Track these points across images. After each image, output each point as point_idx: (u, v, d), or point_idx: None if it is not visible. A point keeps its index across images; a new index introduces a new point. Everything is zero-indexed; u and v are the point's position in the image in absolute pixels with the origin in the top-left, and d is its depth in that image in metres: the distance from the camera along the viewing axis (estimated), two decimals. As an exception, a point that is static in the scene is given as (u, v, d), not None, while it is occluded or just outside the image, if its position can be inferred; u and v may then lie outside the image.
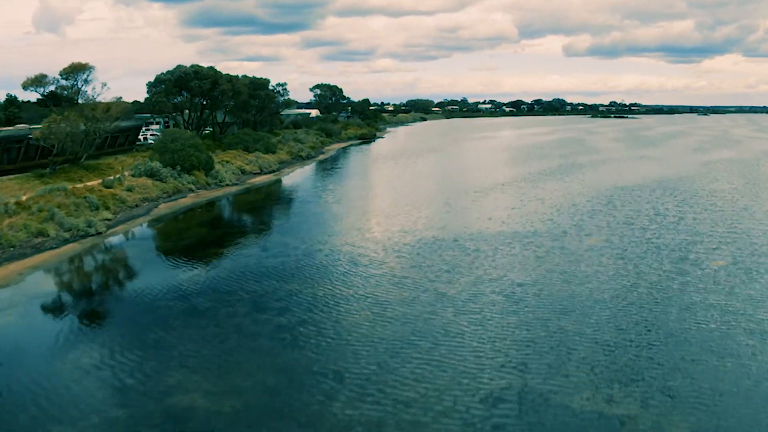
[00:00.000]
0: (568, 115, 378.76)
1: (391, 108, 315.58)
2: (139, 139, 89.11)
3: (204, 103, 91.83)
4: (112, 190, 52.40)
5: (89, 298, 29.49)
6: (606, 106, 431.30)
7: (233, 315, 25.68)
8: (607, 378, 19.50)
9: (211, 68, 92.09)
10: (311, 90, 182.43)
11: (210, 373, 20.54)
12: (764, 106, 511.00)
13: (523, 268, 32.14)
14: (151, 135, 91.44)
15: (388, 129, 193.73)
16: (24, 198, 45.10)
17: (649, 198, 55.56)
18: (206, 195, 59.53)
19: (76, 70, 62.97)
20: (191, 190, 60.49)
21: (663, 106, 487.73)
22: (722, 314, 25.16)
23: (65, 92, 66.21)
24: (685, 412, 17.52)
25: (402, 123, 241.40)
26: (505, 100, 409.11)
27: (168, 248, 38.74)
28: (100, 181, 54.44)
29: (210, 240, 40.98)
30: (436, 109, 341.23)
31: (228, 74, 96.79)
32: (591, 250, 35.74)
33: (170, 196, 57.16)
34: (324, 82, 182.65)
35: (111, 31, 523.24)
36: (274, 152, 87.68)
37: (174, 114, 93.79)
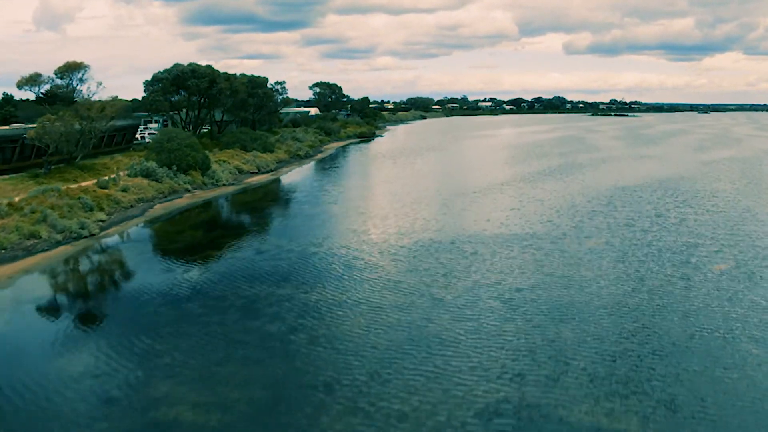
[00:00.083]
0: (568, 113, 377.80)
1: (390, 106, 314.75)
2: (137, 138, 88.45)
3: (201, 101, 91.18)
4: (106, 190, 51.77)
5: (78, 304, 28.87)
6: (606, 104, 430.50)
7: (224, 322, 25.07)
8: (606, 390, 18.87)
9: (209, 67, 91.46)
10: (310, 88, 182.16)
11: (198, 385, 19.93)
12: (765, 104, 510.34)
13: (521, 272, 31.52)
14: (149, 134, 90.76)
15: (387, 127, 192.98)
16: (17, 199, 44.51)
17: (649, 198, 54.93)
18: (202, 195, 58.90)
19: (71, 69, 62.43)
20: (187, 191, 59.87)
21: (663, 104, 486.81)
22: (725, 322, 24.54)
23: (61, 91, 65.71)
24: (687, 428, 16.92)
25: (402, 121, 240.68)
26: (506, 98, 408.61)
27: (161, 251, 38.15)
28: (95, 181, 53.82)
29: (204, 242, 40.37)
30: (436, 107, 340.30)
31: (226, 72, 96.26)
32: (591, 253, 35.12)
33: (166, 197, 56.53)
34: (324, 80, 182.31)
35: (111, 28, 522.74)
36: (272, 151, 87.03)
37: (171, 113, 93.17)
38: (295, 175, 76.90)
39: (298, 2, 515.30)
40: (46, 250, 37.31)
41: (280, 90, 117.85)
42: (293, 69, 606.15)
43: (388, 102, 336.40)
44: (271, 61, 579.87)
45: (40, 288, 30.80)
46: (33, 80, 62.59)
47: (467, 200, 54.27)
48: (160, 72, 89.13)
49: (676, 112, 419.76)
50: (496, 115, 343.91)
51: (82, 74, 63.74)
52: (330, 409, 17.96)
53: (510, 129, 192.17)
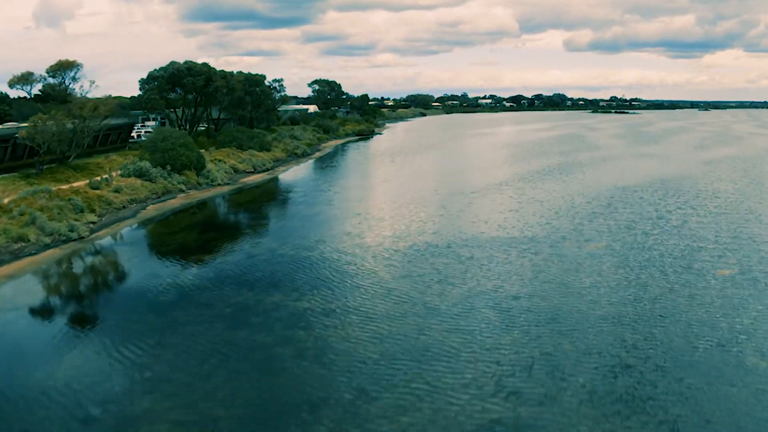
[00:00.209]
0: (568, 110, 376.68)
1: (390, 103, 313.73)
2: (133, 137, 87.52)
3: (198, 99, 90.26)
4: (98, 191, 50.89)
5: (60, 313, 27.93)
6: (607, 101, 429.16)
7: (210, 332, 24.20)
8: (606, 410, 17.97)
9: (205, 64, 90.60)
10: (309, 85, 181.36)
11: (180, 400, 19.09)
12: (765, 101, 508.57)
13: (519, 278, 30.63)
14: (146, 132, 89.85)
15: (387, 125, 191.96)
16: (6, 200, 43.64)
17: (650, 199, 54.03)
18: (197, 195, 58.03)
19: (63, 67, 61.51)
20: (181, 191, 58.98)
21: (664, 101, 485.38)
22: (730, 333, 23.64)
23: (55, 90, 64.84)
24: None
25: (401, 118, 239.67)
26: (506, 95, 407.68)
27: (150, 255, 37.29)
28: (87, 181, 52.96)
29: (195, 245, 39.48)
30: (436, 104, 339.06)
31: (222, 70, 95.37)
32: (591, 258, 34.23)
33: (159, 197, 55.66)
34: (323, 77, 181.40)
35: (111, 25, 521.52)
36: (269, 150, 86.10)
37: (167, 111, 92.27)
38: (292, 175, 75.98)
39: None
40: (34, 253, 36.47)
41: (278, 87, 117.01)
42: (293, 66, 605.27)
43: (388, 99, 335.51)
44: (271, 58, 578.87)
45: (22, 295, 29.88)
46: (25, 79, 61.68)
47: (465, 201, 53.38)
48: (155, 70, 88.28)
49: (677, 110, 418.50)
50: (496, 112, 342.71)
51: (75, 73, 62.83)
52: (314, 430, 17.10)
53: (510, 127, 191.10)
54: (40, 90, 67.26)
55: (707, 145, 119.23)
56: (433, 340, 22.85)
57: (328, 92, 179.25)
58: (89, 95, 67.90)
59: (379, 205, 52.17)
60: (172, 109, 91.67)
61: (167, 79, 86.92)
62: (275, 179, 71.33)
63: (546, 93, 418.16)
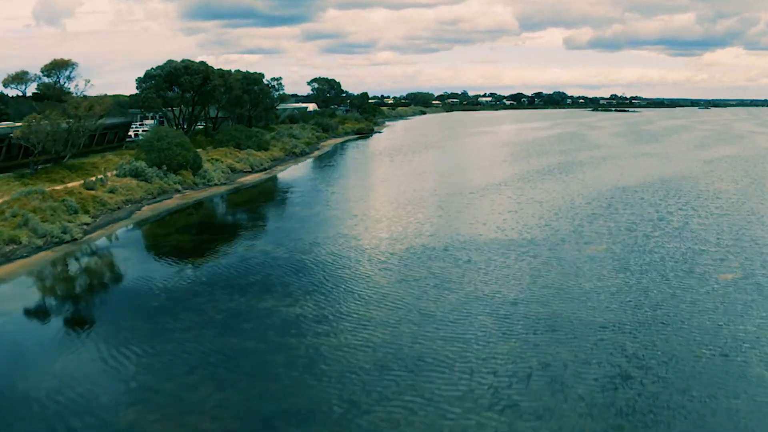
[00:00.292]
0: (568, 108, 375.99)
1: (390, 101, 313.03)
2: (130, 136, 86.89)
3: (195, 98, 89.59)
4: (93, 192, 50.30)
5: (47, 319, 27.29)
6: (607, 99, 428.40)
7: (200, 339, 23.60)
8: (606, 424, 17.37)
9: (203, 63, 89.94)
10: (309, 84, 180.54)
11: (167, 412, 18.53)
12: (765, 100, 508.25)
13: (517, 283, 30.00)
14: (143, 131, 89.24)
15: (386, 123, 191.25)
16: (-1, 201, 43.10)
17: (651, 200, 53.39)
18: (193, 196, 57.42)
19: (58, 66, 60.85)
20: (177, 191, 58.39)
21: (664, 99, 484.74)
22: (734, 341, 23.00)
23: (50, 90, 64.25)
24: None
25: (401, 117, 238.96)
26: (506, 93, 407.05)
27: (142, 258, 36.61)
28: (82, 182, 52.36)
29: (189, 248, 38.86)
30: (436, 102, 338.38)
31: (220, 69, 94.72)
32: (591, 262, 33.61)
33: (155, 198, 55.07)
34: (323, 76, 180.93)
35: (111, 23, 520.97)
36: (266, 149, 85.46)
37: (165, 109, 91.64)
38: (290, 174, 75.32)
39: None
40: (26, 256, 35.90)
41: (276, 86, 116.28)
42: (293, 64, 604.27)
43: (388, 97, 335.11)
44: (271, 56, 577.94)
45: (10, 300, 29.26)
46: (19, 78, 60.98)
47: (463, 201, 52.75)
48: (152, 68, 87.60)
49: (677, 108, 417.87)
50: (497, 110, 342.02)
51: (70, 72, 62.17)
52: (304, 445, 16.54)
53: (510, 125, 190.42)
54: (37, 89, 66.69)
55: (708, 144, 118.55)
56: (428, 348, 22.22)
57: (327, 90, 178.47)
58: (86, 94, 67.49)
59: (377, 205, 51.53)
60: (170, 108, 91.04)
61: (164, 77, 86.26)
62: (273, 179, 70.70)
63: (546, 91, 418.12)
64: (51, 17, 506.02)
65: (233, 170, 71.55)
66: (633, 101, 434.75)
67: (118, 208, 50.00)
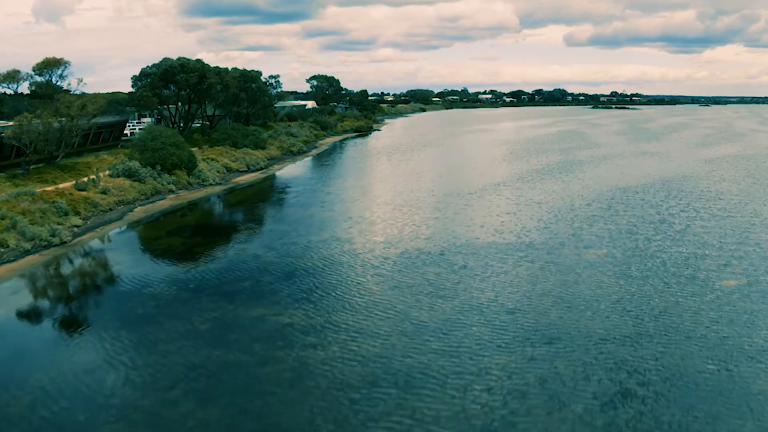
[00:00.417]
0: (569, 105, 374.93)
1: (390, 98, 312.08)
2: (126, 134, 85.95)
3: (191, 96, 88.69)
4: (84, 192, 49.47)
5: (28, 327, 26.42)
6: (607, 96, 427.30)
7: (184, 350, 22.72)
8: (605, 446, 16.55)
9: (199, 61, 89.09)
10: (308, 81, 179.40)
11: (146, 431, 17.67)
12: (766, 97, 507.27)
13: (514, 290, 29.08)
14: (140, 130, 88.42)
15: (386, 120, 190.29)
16: (-12, 203, 42.21)
17: (652, 201, 52.46)
18: (187, 196, 56.56)
19: (50, 65, 59.90)
20: (171, 191, 57.56)
21: (664, 96, 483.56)
22: (740, 354, 22.05)
23: (42, 87, 63.34)
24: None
25: (401, 114, 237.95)
26: (506, 90, 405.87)
27: (131, 263, 35.58)
28: (74, 182, 51.49)
29: (179, 251, 37.95)
30: (436, 99, 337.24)
31: (217, 67, 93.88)
32: (590, 267, 32.71)
33: (148, 198, 54.24)
34: (323, 73, 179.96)
35: (111, 20, 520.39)
36: (263, 148, 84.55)
37: (160, 108, 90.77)
38: (286, 174, 74.34)
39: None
40: (12, 260, 35.10)
41: (274, 84, 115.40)
42: (294, 61, 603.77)
43: (388, 94, 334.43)
44: (271, 53, 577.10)
45: (-7, 307, 28.42)
46: (11, 77, 60.00)
47: (461, 203, 51.82)
48: (148, 66, 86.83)
49: (677, 105, 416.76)
50: (497, 107, 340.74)
51: (63, 70, 61.22)
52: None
53: (510, 123, 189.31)
54: (34, 88, 65.75)
55: (709, 143, 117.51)
56: (419, 363, 21.30)
57: (326, 88, 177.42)
58: (83, 90, 66.61)
59: (372, 207, 50.59)
60: (165, 106, 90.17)
61: (160, 75, 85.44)
62: (269, 178, 69.76)
63: (546, 88, 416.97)
64: (51, 14, 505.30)
65: (229, 170, 70.70)
66: (633, 98, 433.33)
67: (110, 209, 49.17)
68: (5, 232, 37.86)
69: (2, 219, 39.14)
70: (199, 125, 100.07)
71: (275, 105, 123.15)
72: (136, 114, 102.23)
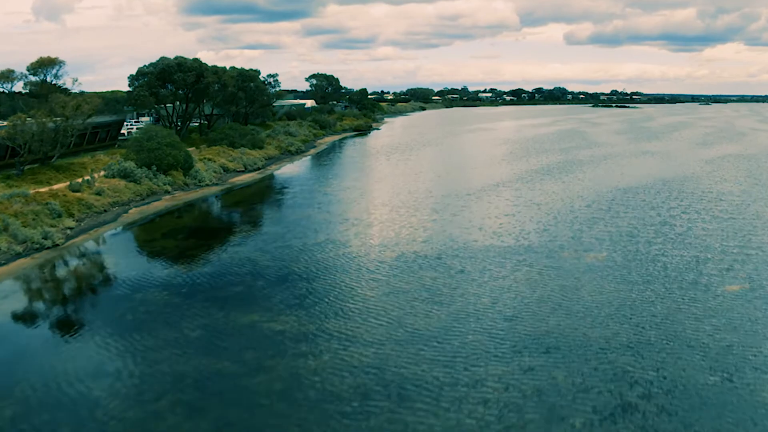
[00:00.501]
0: (569, 104, 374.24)
1: (390, 97, 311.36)
2: (123, 134, 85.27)
3: (189, 96, 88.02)
4: (78, 194, 48.90)
5: (15, 333, 25.74)
6: (607, 94, 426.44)
7: (172, 359, 22.12)
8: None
9: (196, 60, 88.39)
10: (307, 80, 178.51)
11: (130, 446, 17.10)
12: (766, 96, 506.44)
13: (512, 296, 28.47)
14: (137, 129, 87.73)
15: (385, 119, 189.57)
16: (-20, 205, 41.62)
17: (653, 203, 51.83)
18: (183, 197, 55.96)
19: (44, 64, 59.27)
20: (167, 192, 56.96)
21: (664, 94, 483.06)
22: (744, 364, 21.42)
23: (35, 86, 62.78)
24: None
25: (401, 113, 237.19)
26: (506, 89, 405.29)
27: (123, 267, 34.89)
28: (68, 183, 50.91)
29: (172, 254, 37.30)
30: (436, 97, 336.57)
31: (215, 66, 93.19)
32: (590, 272, 32.10)
33: (143, 199, 53.64)
34: (323, 71, 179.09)
35: (111, 19, 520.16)
36: (261, 147, 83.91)
37: (158, 107, 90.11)
38: (283, 174, 73.73)
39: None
40: (3, 264, 34.53)
41: (272, 83, 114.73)
42: (293, 59, 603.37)
43: (388, 93, 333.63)
44: (271, 52, 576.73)
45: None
46: (5, 77, 59.37)
47: (459, 204, 51.20)
48: (145, 66, 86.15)
49: (678, 104, 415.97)
50: (497, 106, 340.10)
51: (57, 70, 60.61)
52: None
53: (510, 122, 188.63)
54: (25, 87, 65.28)
55: (710, 142, 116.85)
56: (413, 373, 20.69)
57: (326, 86, 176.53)
58: (79, 90, 65.99)
59: (370, 208, 49.98)
60: (162, 106, 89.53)
61: (157, 75, 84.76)
62: (266, 179, 69.13)
63: (546, 86, 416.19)
64: (51, 13, 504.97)
65: (226, 170, 70.07)
66: (633, 97, 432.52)
67: (105, 210, 48.59)
68: (-3, 235, 37.28)
69: (-5, 221, 38.57)
70: (196, 124, 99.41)
71: (274, 104, 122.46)
72: (135, 113, 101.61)
